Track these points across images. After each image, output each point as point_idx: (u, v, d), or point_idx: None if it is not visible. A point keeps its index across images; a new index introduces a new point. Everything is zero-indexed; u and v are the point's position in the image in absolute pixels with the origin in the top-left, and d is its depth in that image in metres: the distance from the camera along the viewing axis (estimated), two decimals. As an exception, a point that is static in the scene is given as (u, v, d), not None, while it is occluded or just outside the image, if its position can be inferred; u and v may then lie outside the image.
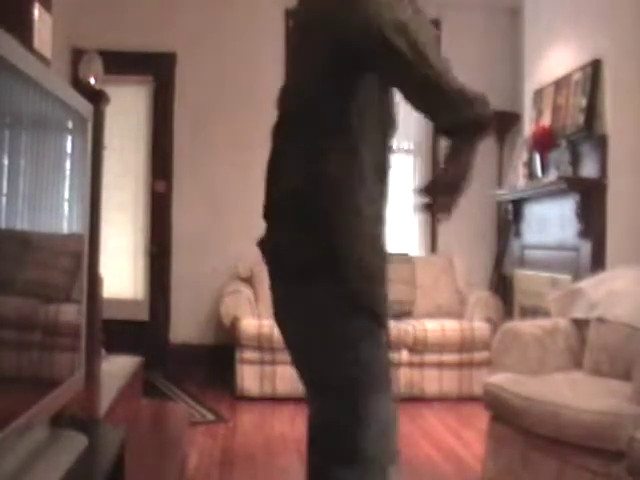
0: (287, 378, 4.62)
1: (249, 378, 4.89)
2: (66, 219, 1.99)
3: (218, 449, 3.81)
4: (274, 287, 1.80)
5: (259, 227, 1.88)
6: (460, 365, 5.02)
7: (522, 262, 5.24)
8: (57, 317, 1.93)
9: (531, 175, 5.02)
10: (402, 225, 5.81)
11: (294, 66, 1.88)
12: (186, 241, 5.70)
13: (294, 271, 1.71)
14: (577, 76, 4.57)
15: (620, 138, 4.17)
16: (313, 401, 1.78)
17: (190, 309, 5.70)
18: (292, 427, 4.20)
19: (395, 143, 1.90)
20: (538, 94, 5.17)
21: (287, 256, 1.73)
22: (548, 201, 4.77)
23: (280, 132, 1.81)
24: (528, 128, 5.28)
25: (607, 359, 3.12)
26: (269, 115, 1.93)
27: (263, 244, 1.82)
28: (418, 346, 4.95)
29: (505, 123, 5.69)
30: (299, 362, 1.79)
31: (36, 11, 2.27)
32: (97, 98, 2.82)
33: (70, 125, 1.94)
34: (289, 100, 1.81)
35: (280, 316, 1.82)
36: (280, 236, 1.77)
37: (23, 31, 2.14)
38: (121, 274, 5.68)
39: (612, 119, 4.22)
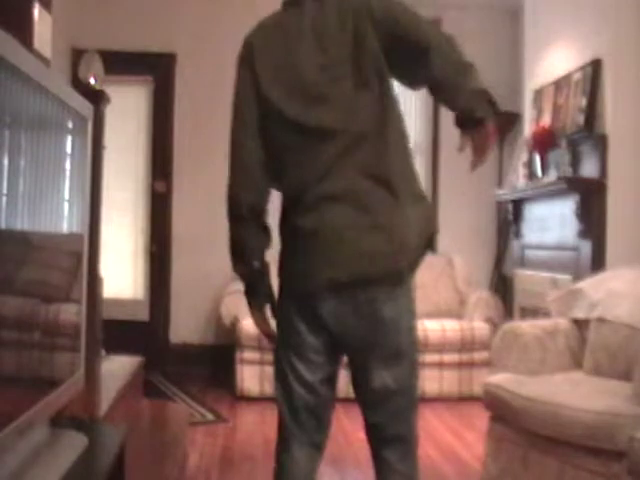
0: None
1: (249, 378, 4.89)
2: (66, 219, 1.99)
3: (218, 449, 3.81)
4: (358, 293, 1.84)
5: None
6: (460, 365, 5.02)
7: (522, 262, 5.24)
8: (57, 317, 1.93)
9: (531, 175, 5.01)
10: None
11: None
12: (186, 241, 5.70)
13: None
14: (577, 76, 4.56)
15: (620, 138, 4.17)
16: (384, 370, 1.90)
17: (190, 309, 5.69)
18: (292, 427, 4.20)
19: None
20: (538, 94, 5.17)
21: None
22: (548, 201, 4.77)
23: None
24: (528, 128, 5.28)
25: (607, 359, 3.12)
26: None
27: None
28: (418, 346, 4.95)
29: (505, 123, 5.69)
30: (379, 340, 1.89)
31: (36, 11, 2.27)
32: (97, 98, 2.82)
33: (70, 125, 1.94)
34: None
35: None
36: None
37: (23, 31, 2.14)
38: (121, 274, 5.68)
39: (612, 119, 4.22)
